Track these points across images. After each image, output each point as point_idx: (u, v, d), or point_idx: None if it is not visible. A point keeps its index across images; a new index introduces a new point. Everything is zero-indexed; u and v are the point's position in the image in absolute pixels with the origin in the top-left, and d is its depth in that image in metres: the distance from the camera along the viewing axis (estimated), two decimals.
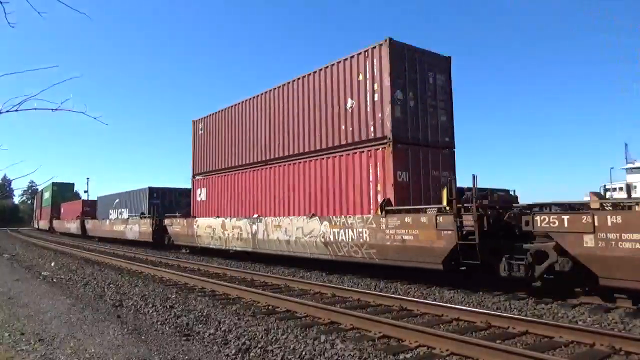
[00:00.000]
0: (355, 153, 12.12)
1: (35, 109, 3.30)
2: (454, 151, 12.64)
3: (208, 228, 17.94)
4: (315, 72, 13.72)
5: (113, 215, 32.69)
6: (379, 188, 11.39)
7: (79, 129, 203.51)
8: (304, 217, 13.17)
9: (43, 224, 56.92)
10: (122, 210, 31.12)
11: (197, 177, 20.40)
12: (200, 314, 7.57)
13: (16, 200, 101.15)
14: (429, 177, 11.85)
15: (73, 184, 58.17)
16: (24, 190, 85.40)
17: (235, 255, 17.61)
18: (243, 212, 16.57)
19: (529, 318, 6.58)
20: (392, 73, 11.29)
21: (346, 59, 12.62)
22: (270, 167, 15.33)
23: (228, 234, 16.63)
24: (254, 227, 15.14)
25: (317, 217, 12.68)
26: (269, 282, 11.16)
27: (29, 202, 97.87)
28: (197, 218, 19.35)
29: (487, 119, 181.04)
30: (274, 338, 5.99)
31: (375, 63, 11.69)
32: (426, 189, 11.74)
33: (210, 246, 17.99)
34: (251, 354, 5.40)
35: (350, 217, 11.59)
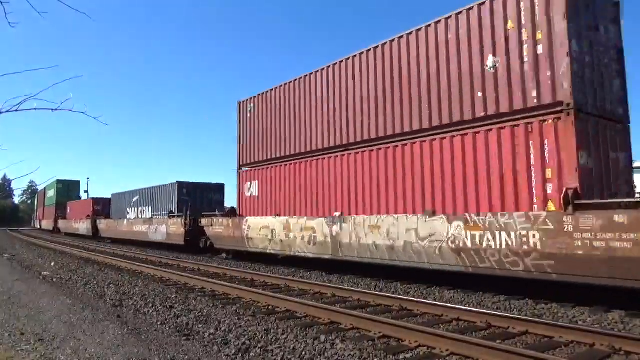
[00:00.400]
0: (503, 128, 9.10)
1: (35, 109, 3.31)
2: (628, 126, 9.58)
3: (264, 229, 14.91)
4: (429, 25, 10.57)
5: (132, 214, 29.76)
6: (548, 174, 8.41)
7: (79, 129, 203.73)
8: (420, 215, 10.17)
9: (46, 224, 54.55)
10: (144, 208, 28.13)
11: (245, 169, 17.05)
12: (200, 314, 7.58)
13: (16, 200, 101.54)
14: (608, 160, 8.85)
15: (79, 182, 55.32)
16: (24, 190, 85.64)
17: (299, 262, 14.53)
18: (312, 209, 13.53)
19: (529, 318, 6.58)
20: (567, 15, 8.39)
21: (482, 2, 9.55)
22: (356, 153, 12.25)
23: (294, 237, 13.63)
24: (335, 228, 12.22)
25: (442, 216, 9.70)
26: (269, 282, 11.17)
27: (29, 202, 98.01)
28: (247, 217, 16.19)
29: None
30: (274, 338, 6.00)
31: (537, 3, 8.79)
32: (607, 176, 8.79)
33: (268, 251, 14.93)
34: (251, 354, 5.41)
35: (504, 214, 8.61)
